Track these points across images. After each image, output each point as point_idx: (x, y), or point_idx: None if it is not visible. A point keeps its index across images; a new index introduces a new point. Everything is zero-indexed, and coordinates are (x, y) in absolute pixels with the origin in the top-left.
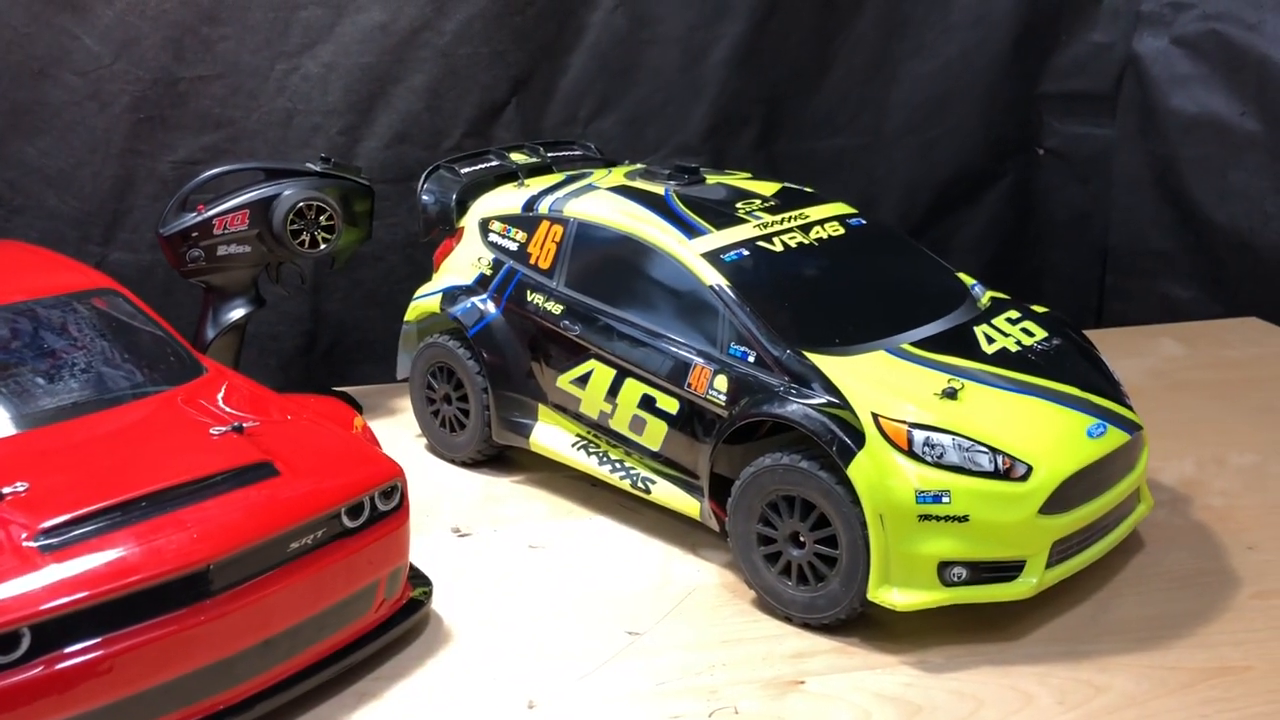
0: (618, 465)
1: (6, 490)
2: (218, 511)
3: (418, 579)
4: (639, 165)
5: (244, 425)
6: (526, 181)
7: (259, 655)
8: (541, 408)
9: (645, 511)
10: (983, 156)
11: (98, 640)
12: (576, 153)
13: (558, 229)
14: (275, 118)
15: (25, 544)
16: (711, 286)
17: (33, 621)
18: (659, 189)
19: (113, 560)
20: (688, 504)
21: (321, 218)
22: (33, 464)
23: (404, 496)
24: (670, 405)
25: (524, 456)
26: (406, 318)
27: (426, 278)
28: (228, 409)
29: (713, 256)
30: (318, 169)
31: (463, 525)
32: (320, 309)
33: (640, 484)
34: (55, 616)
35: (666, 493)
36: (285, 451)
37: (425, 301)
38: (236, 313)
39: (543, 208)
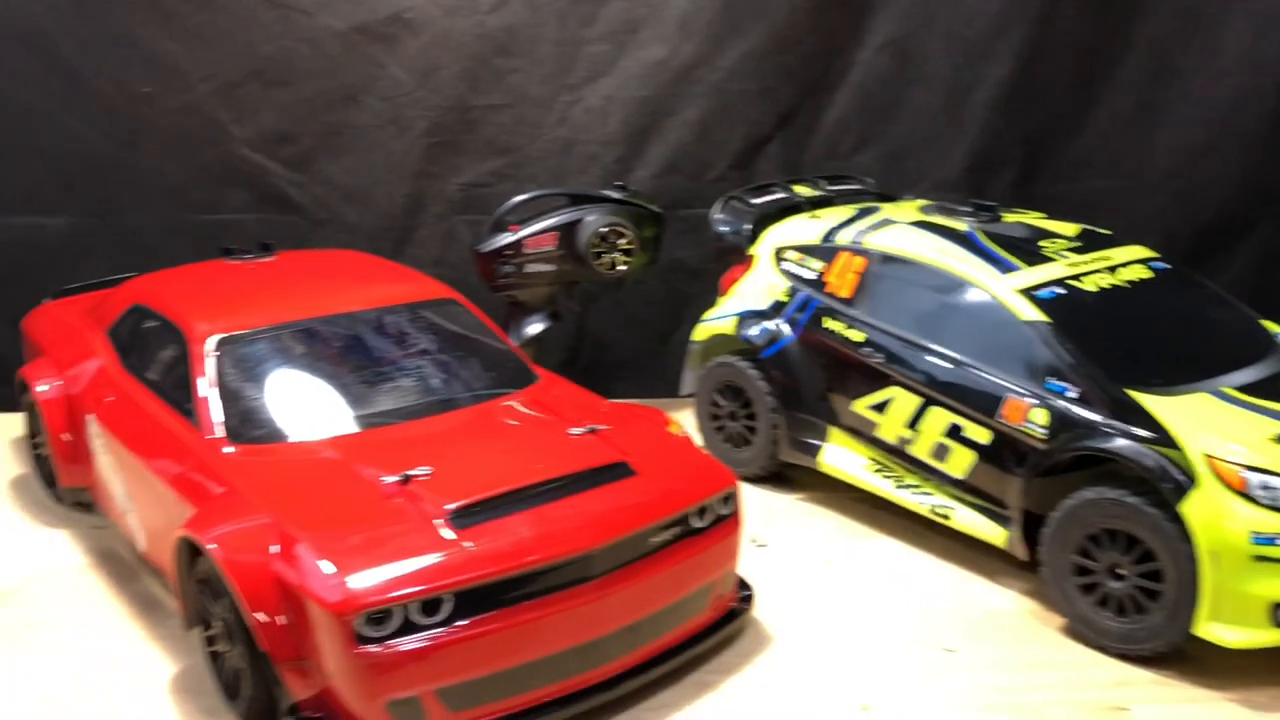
0: (915, 490)
1: (414, 472)
2: (592, 504)
3: (740, 584)
4: (928, 201)
5: (597, 428)
6: (817, 213)
7: (624, 638)
8: (831, 429)
9: (931, 536)
10: (1243, 205)
11: (502, 611)
12: (854, 187)
13: (859, 260)
14: (555, 146)
15: (436, 523)
16: (1029, 322)
17: (454, 590)
18: (961, 225)
19: (515, 541)
20: (992, 531)
21: (621, 241)
22: (425, 451)
23: (738, 504)
24: (980, 435)
25: (802, 475)
26: (693, 338)
27: (681, 303)
28: (570, 412)
29: (1027, 293)
30: (616, 196)
31: (758, 536)
32: (584, 328)
33: (939, 510)
34: (470, 587)
35: (967, 519)
36: (636, 453)
37: (716, 324)
38: (537, 326)
39: (841, 239)
